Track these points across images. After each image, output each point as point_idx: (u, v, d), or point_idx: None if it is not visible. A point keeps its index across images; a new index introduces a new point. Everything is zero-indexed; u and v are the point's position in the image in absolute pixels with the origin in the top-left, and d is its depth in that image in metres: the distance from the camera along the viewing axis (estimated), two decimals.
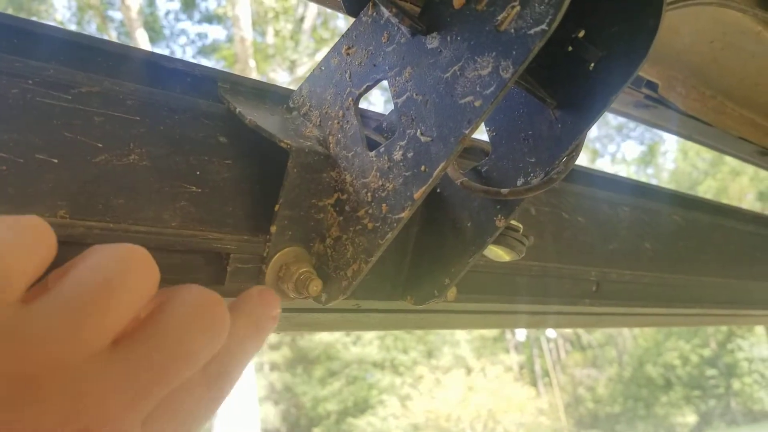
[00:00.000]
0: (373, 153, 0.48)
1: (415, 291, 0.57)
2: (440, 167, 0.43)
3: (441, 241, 0.56)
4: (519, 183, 0.50)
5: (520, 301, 0.70)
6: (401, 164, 0.46)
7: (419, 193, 0.44)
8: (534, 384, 22.34)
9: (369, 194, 0.48)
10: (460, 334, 22.99)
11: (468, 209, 0.54)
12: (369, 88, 0.50)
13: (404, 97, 0.47)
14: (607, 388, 20.88)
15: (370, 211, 0.47)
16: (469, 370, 21.92)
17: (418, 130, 0.45)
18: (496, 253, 0.55)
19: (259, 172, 0.50)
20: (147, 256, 0.29)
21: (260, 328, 0.37)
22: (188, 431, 0.29)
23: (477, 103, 0.42)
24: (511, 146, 0.52)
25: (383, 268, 0.56)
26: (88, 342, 0.25)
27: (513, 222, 0.55)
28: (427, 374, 21.75)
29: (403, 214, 0.45)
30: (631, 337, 21.09)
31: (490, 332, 23.03)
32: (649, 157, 22.91)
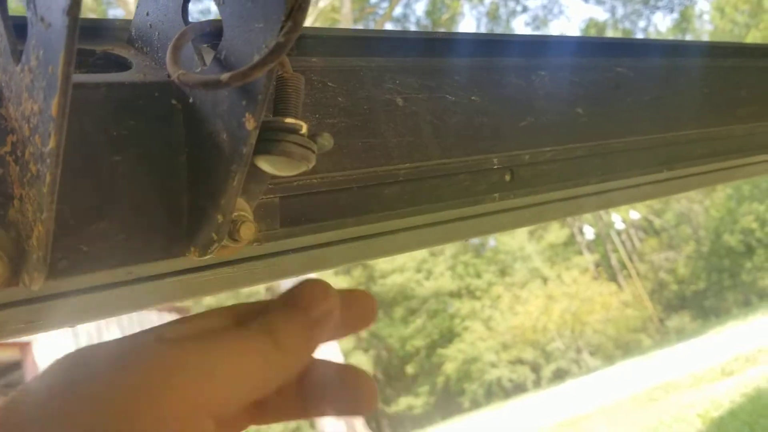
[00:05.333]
0: (19, 66, 0.34)
1: (197, 239, 0.42)
2: (61, 60, 0.29)
3: (206, 165, 0.41)
4: (255, 60, 0.35)
5: (394, 216, 0.55)
6: (38, 71, 0.31)
7: (54, 107, 0.30)
8: (614, 279, 22.07)
9: (27, 126, 0.33)
10: (530, 247, 22.78)
11: (220, 116, 0.39)
12: None
13: None
14: (688, 267, 20.37)
15: (32, 149, 0.33)
16: (545, 280, 21.70)
17: (37, 11, 0.30)
18: (276, 166, 0.40)
19: None
20: None
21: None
22: None
23: None
24: (237, 13, 0.37)
25: (147, 217, 0.42)
26: None
27: (289, 120, 0.40)
28: (504, 292, 21.66)
29: (51, 144, 0.31)
30: (703, 211, 20.49)
31: (559, 238, 22.66)
32: (684, 23, 21.78)
